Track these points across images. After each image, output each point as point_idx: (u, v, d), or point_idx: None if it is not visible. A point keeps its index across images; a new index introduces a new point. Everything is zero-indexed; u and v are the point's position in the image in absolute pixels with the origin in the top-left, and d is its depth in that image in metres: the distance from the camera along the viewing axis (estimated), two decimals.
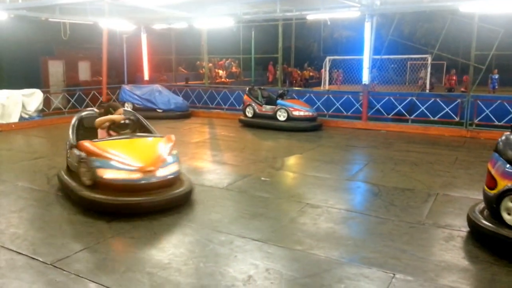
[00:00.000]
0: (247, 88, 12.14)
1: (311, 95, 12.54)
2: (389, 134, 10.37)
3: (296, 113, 10.92)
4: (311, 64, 28.11)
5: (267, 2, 11.19)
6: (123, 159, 4.88)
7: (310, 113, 11.08)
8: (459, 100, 10.51)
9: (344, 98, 11.92)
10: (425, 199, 5.48)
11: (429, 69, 16.10)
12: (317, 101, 12.25)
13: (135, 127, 5.68)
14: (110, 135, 5.46)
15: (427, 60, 15.82)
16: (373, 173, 7.06)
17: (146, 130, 6.04)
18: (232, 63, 23.71)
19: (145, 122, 6.19)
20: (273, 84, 20.67)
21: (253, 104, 11.57)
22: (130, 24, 13.37)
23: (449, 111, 10.49)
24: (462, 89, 16.00)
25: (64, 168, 5.86)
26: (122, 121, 5.55)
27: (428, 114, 10.78)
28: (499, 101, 10.20)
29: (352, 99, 11.73)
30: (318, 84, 23.32)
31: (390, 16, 14.35)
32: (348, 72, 18.30)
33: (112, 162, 4.85)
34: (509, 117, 9.88)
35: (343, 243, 4.18)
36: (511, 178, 3.91)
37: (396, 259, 3.83)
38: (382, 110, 11.31)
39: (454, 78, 18.12)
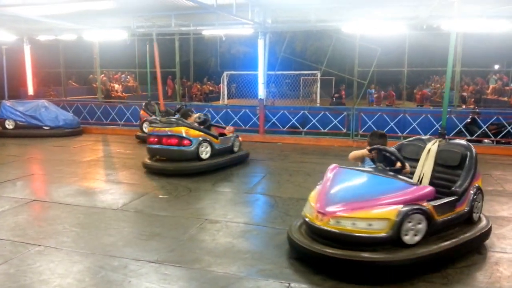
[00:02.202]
0: (144, 103, 11.79)
1: (210, 109, 12.60)
2: (284, 146, 10.81)
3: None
4: (211, 78, 28.34)
5: (161, 16, 11.06)
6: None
7: None
8: (345, 113, 11.39)
9: (242, 112, 12.18)
10: None
11: (318, 84, 17.24)
12: (216, 115, 12.34)
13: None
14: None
15: (317, 76, 16.97)
16: (270, 184, 7.28)
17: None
18: (129, 76, 22.90)
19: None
20: (172, 98, 20.39)
21: (150, 120, 11.23)
22: (10, 35, 12.21)
23: (337, 123, 11.30)
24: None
25: None
26: None
27: (319, 126, 11.50)
28: (379, 113, 11.26)
29: (250, 113, 12.04)
30: (218, 98, 23.55)
31: (283, 34, 15.13)
32: (246, 87, 18.76)
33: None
34: (388, 127, 10.95)
35: (241, 257, 4.21)
36: None
37: (291, 268, 3.96)
38: (278, 124, 11.78)
39: (343, 92, 19.61)
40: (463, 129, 10.49)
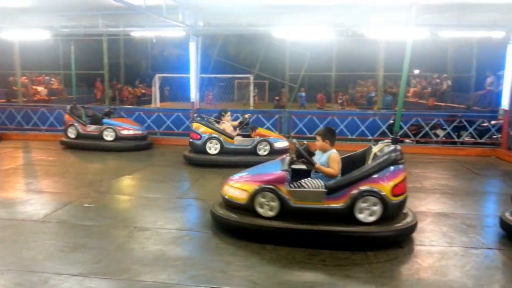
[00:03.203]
0: (69, 107, 11.18)
1: (141, 113, 12.25)
2: None
3: (124, 132, 10.50)
4: (143, 81, 27.56)
5: (87, 16, 10.58)
6: None
7: (140, 132, 10.80)
8: (277, 116, 11.61)
9: (174, 116, 11.97)
10: None
11: (252, 88, 17.45)
12: (147, 119, 12.03)
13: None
14: None
15: (250, 79, 17.17)
16: (203, 189, 7.21)
17: None
18: (53, 79, 21.60)
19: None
20: (102, 102, 19.55)
21: (76, 124, 10.70)
22: None
23: (270, 126, 11.48)
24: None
25: None
26: None
27: None
28: (309, 116, 11.62)
29: (183, 117, 11.87)
30: (151, 101, 22.96)
31: (216, 37, 15.11)
32: (180, 90, 18.49)
33: None
34: (318, 129, 11.30)
35: (172, 264, 4.12)
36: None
37: (223, 272, 3.95)
38: None
39: (283, 96, 19.98)
40: (386, 130, 11.11)
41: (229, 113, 9.25)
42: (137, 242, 4.66)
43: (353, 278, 3.88)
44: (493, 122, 10.81)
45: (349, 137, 11.18)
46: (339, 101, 21.30)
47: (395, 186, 4.60)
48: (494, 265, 4.25)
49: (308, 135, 11.36)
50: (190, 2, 9.58)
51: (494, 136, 10.71)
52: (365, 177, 4.61)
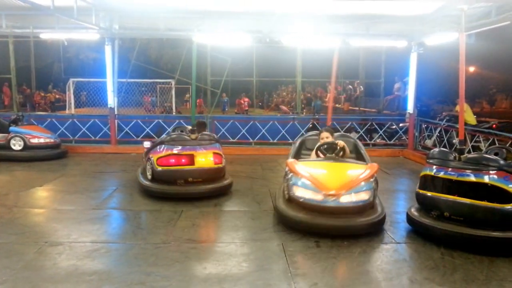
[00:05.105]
0: None
1: (54, 120, 11.53)
2: (138, 157, 10.45)
3: (34, 140, 9.82)
4: (57, 86, 25.91)
5: None
6: (313, 179, 5.08)
7: (52, 140, 10.16)
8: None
9: (91, 122, 11.42)
10: (171, 217, 5.72)
11: (173, 93, 17.22)
12: (60, 126, 11.34)
13: (342, 151, 5.70)
14: (318, 157, 5.76)
15: (171, 84, 16.94)
16: (122, 198, 6.95)
17: (359, 156, 6.17)
18: None
19: (361, 149, 6.31)
20: (10, 108, 18.06)
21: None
22: None
23: None
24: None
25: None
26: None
27: None
28: (231, 121, 11.72)
29: (100, 123, 11.36)
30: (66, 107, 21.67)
31: (134, 41, 14.69)
32: (97, 95, 17.67)
33: (303, 180, 5.14)
34: (240, 134, 11.47)
35: (86, 279, 3.91)
36: None
37: (141, 284, 3.83)
38: (131, 133, 11.35)
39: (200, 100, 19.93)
40: (304, 133, 11.53)
41: None
42: (47, 258, 4.36)
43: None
44: (401, 124, 11.72)
45: (271, 141, 11.46)
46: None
47: None
48: (402, 258, 4.58)
49: (231, 140, 11.47)
50: (103, 4, 9.22)
51: (402, 138, 11.62)
52: None
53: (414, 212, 5.27)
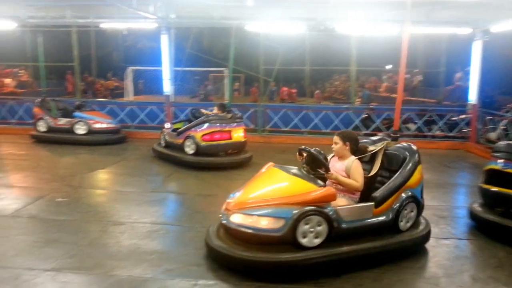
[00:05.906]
0: (39, 100, 10.88)
1: (114, 106, 12.03)
2: None
3: (97, 125, 10.31)
4: (116, 74, 26.99)
5: (55, 7, 10.27)
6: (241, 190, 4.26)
7: (113, 125, 10.62)
8: (252, 110, 11.63)
9: (148, 109, 11.82)
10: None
11: (226, 81, 17.37)
12: (120, 113, 11.83)
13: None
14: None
15: (225, 73, 17.10)
16: (177, 182, 7.18)
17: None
18: (22, 71, 20.90)
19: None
20: (73, 95, 19.09)
21: (46, 117, 10.43)
22: None
23: (246, 119, 11.49)
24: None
25: None
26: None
27: None
28: (284, 110, 11.68)
29: (157, 110, 11.73)
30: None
31: (189, 30, 14.95)
32: (154, 83, 18.23)
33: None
34: (292, 123, 11.42)
35: (146, 258, 4.10)
36: None
37: (198, 266, 3.96)
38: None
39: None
40: (359, 124, 11.30)
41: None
42: (111, 236, 4.61)
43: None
44: (462, 116, 11.14)
45: (323, 130, 11.31)
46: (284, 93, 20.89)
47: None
48: (464, 255, 4.40)
49: (284, 128, 11.46)
50: None
51: (463, 130, 11.05)
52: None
53: (477, 208, 5.04)
